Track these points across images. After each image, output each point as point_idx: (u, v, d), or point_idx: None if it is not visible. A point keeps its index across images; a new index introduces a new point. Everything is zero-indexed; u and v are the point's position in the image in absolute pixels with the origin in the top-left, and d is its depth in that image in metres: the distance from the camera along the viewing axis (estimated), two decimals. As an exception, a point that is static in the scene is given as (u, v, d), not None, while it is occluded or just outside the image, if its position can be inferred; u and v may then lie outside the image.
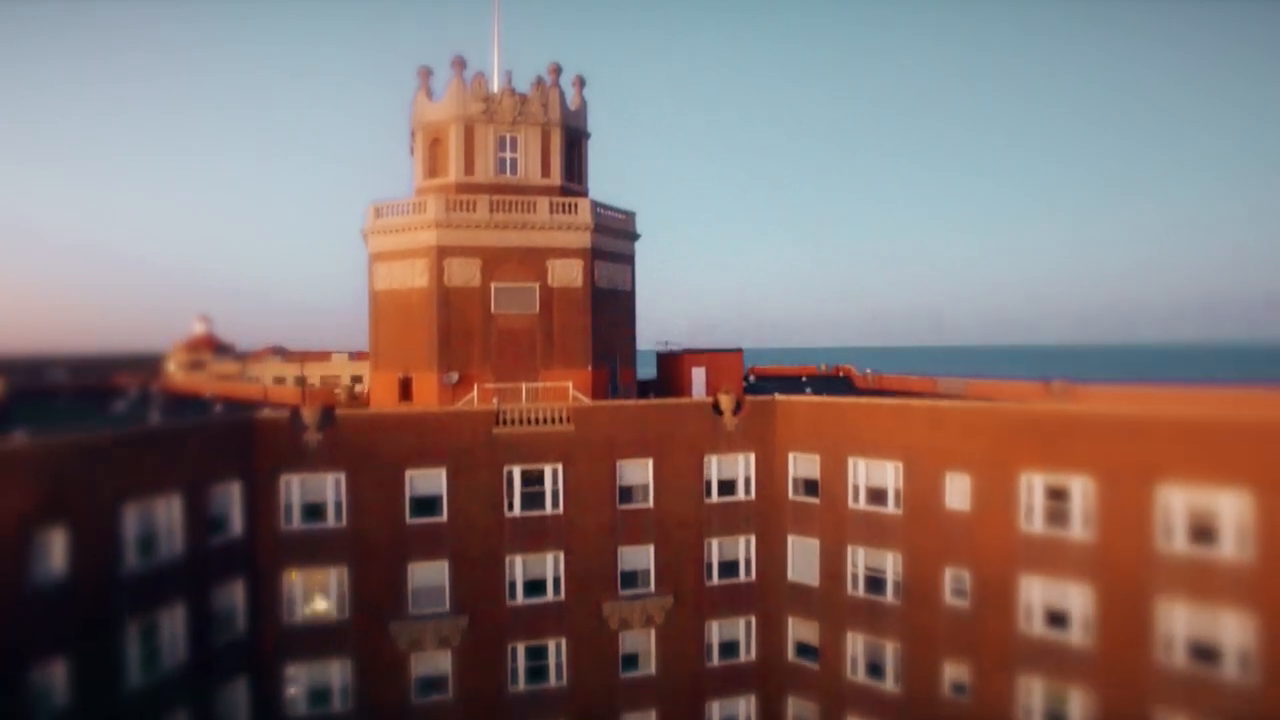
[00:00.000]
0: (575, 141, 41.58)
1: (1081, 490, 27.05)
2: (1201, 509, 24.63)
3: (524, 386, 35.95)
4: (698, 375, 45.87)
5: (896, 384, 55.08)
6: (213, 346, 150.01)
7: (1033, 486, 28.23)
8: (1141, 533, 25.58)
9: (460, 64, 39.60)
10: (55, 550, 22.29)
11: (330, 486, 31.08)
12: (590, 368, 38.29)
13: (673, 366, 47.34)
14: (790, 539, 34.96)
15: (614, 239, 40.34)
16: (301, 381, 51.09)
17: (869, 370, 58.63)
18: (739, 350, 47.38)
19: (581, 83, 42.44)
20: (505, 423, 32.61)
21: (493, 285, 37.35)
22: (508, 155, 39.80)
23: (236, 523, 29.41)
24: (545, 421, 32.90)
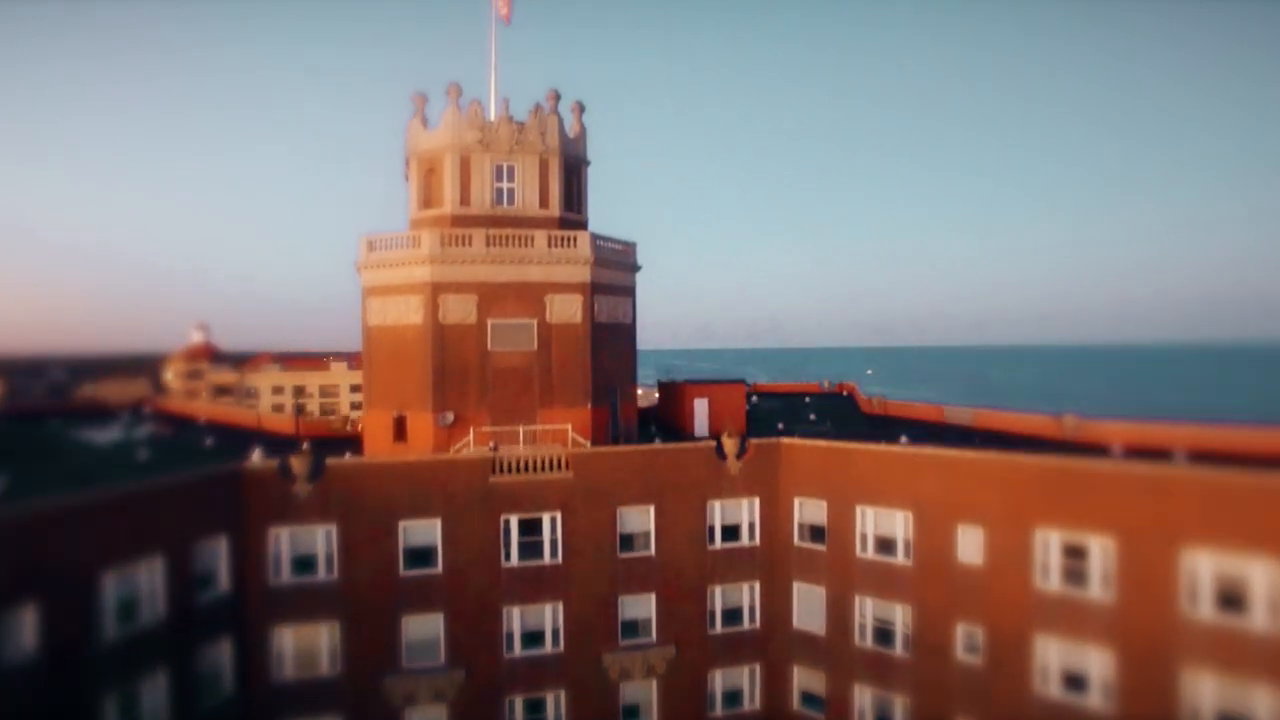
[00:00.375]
0: (574, 169, 40.47)
1: (1101, 550, 25.98)
2: (1230, 575, 23.56)
3: (521, 430, 34.86)
4: (700, 407, 44.83)
5: (902, 410, 53.96)
6: (210, 355, 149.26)
7: (1049, 543, 27.16)
8: (1166, 597, 24.51)
9: (456, 91, 38.52)
10: (25, 628, 21.22)
11: (321, 538, 30.05)
12: (590, 406, 37.20)
13: (674, 397, 46.30)
14: (796, 586, 33.92)
15: (614, 271, 39.24)
16: (299, 410, 49.85)
17: (875, 396, 57.46)
18: (741, 381, 46.38)
19: (580, 109, 41.34)
20: (502, 470, 31.55)
21: (489, 322, 36.25)
22: (505, 185, 38.70)
23: (223, 579, 28.37)
24: (543, 469, 31.85)
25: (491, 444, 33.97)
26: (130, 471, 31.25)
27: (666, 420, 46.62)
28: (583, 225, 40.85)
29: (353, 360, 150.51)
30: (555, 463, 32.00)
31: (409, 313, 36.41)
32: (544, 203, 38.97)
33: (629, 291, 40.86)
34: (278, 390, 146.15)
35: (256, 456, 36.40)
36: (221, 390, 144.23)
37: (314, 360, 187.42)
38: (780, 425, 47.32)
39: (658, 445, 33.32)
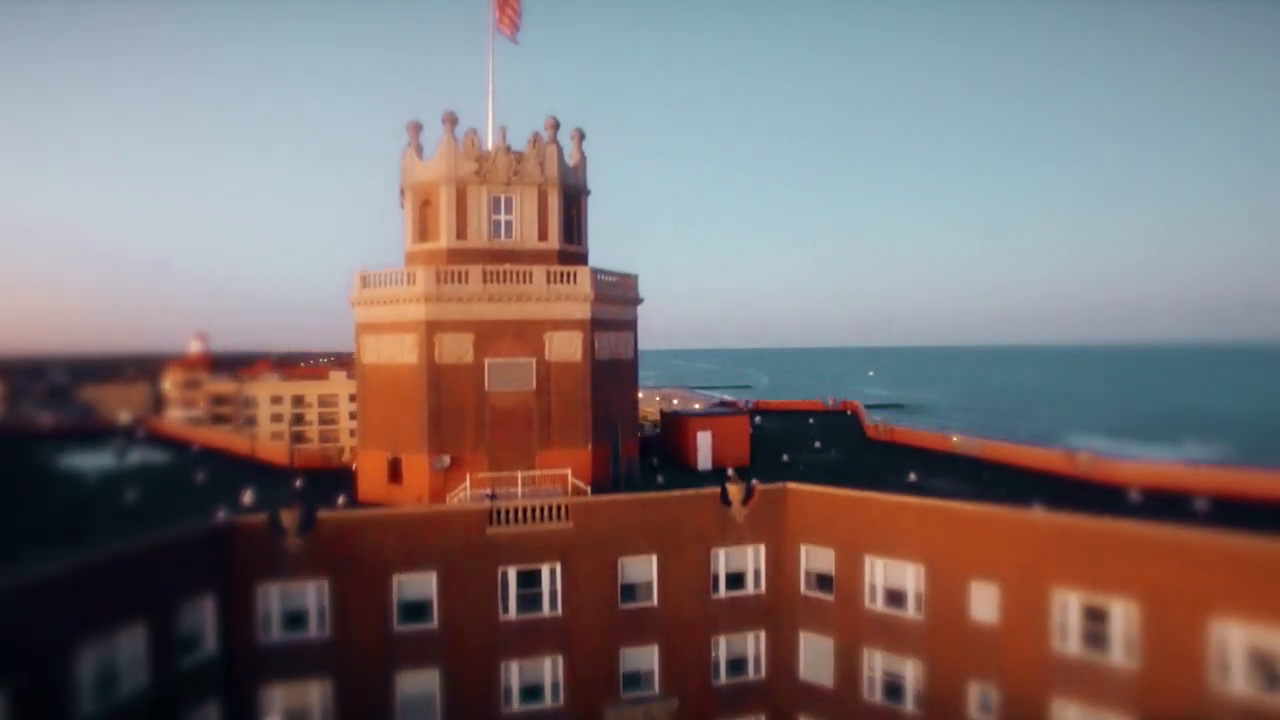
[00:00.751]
0: (574, 200, 39.40)
1: (1124, 614, 24.92)
2: (1264, 649, 22.49)
3: (520, 475, 33.79)
4: (703, 440, 43.79)
5: (908, 438, 52.90)
6: (209, 365, 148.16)
7: (1068, 604, 26.10)
8: (1193, 668, 23.46)
9: (451, 120, 37.43)
10: (-3, 715, 20.19)
11: (312, 594, 28.99)
12: (590, 447, 36.15)
13: (677, 429, 45.23)
14: (802, 636, 32.86)
15: (615, 306, 38.17)
16: (296, 439, 48.76)
17: (880, 422, 56.36)
18: (746, 414, 45.29)
19: (580, 136, 40.27)
20: (500, 521, 30.50)
21: (486, 361, 35.19)
22: (502, 218, 37.64)
23: (210, 640, 27.33)
24: (542, 519, 30.79)
25: (489, 491, 32.93)
26: (114, 521, 30.27)
27: (669, 452, 45.56)
28: (583, 257, 39.82)
29: (351, 368, 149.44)
30: (554, 512, 30.94)
31: (404, 351, 35.36)
32: (543, 235, 37.91)
33: (630, 326, 39.80)
34: (276, 400, 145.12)
35: (248, 498, 35.47)
36: (220, 400, 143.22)
37: (313, 368, 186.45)
38: (785, 457, 46.35)
39: (660, 494, 32.25)
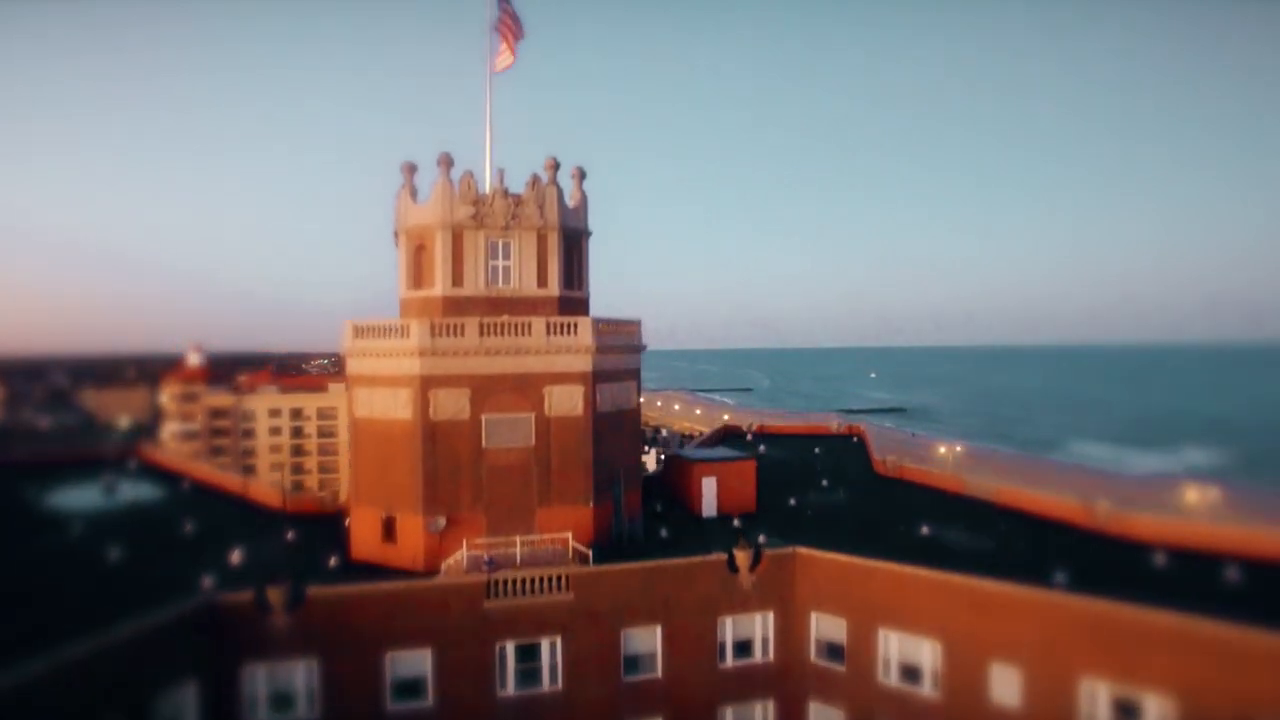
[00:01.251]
0: (575, 243, 38.03)
1: (1159, 712, 23.54)
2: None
3: (518, 540, 32.41)
4: (708, 486, 42.46)
5: (918, 476, 51.50)
6: (206, 377, 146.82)
7: (1096, 695, 24.73)
8: (1230, 773, 22.08)
9: (446, 162, 36.06)
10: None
11: (301, 674, 27.62)
12: (591, 504, 34.81)
13: (681, 473, 43.89)
14: (812, 707, 31.51)
15: (618, 355, 36.80)
16: (291, 487, 47.43)
17: (889, 457, 54.96)
18: (751, 458, 43.88)
19: (581, 175, 38.91)
20: (498, 594, 29.13)
21: (484, 417, 33.83)
22: (500, 263, 36.28)
23: (192, 727, 25.95)
24: (542, 590, 29.43)
25: (486, 557, 31.58)
26: (93, 591, 28.99)
27: (672, 494, 44.22)
28: (584, 302, 38.49)
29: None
30: (555, 583, 29.58)
31: (397, 407, 34.00)
32: (542, 282, 36.56)
33: (633, 374, 38.45)
34: (274, 413, 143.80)
35: (235, 557, 34.15)
36: (217, 413, 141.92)
37: (312, 378, 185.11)
38: (793, 501, 44.98)
39: (665, 562, 30.86)
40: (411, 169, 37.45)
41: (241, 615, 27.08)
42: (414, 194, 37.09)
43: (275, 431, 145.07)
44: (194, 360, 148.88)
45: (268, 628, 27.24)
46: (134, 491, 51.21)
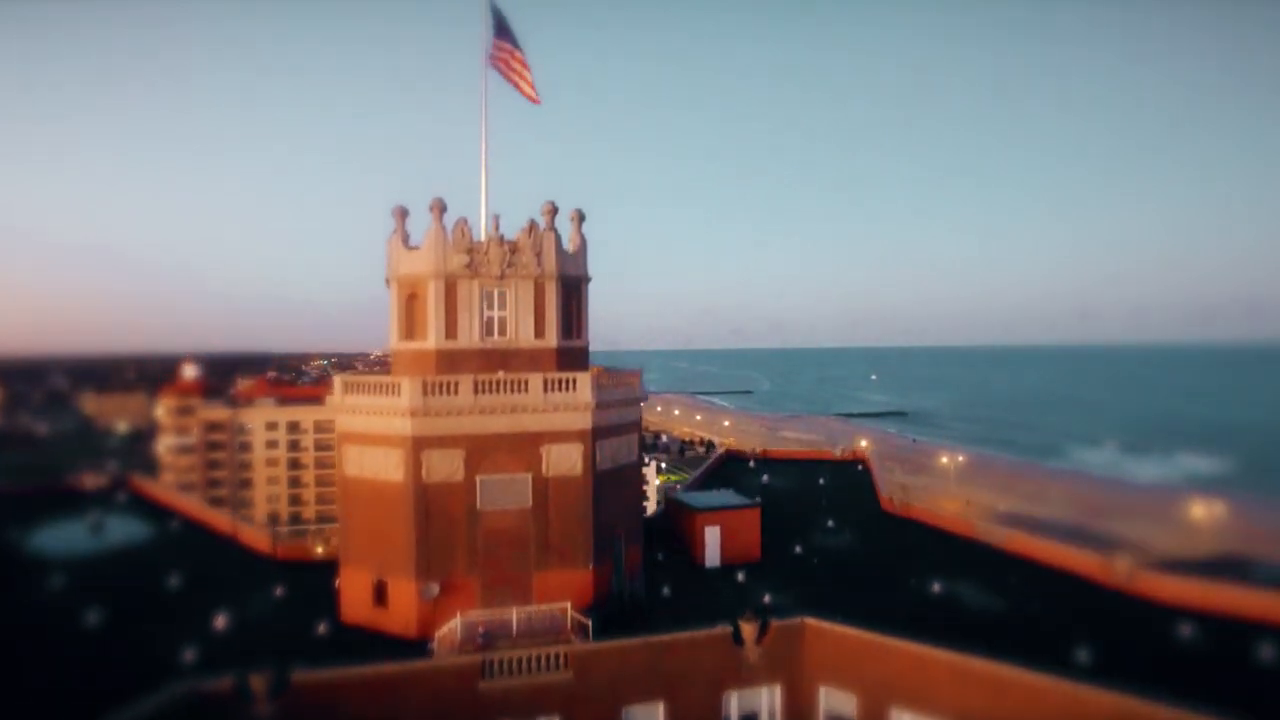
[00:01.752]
0: (573, 290, 36.64)
1: (1191, 818, 22.15)
2: None
3: (514, 611, 30.99)
4: (711, 535, 41.14)
5: (927, 517, 50.16)
6: (202, 391, 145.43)
7: (1127, 796, 23.33)
8: None
9: (439, 208, 34.65)
10: None
11: (284, 763, 26.22)
12: (591, 565, 33.44)
13: (684, 521, 42.54)
14: (823, 785, 30.12)
15: (619, 410, 35.42)
16: (276, 537, 46.13)
17: (897, 496, 53.62)
18: (757, 506, 42.49)
19: (580, 218, 37.49)
20: (493, 674, 27.73)
21: (479, 478, 32.45)
22: (495, 314, 34.89)
23: (169, 825, 24.53)
24: (540, 669, 28.02)
25: (480, 631, 30.19)
26: (67, 666, 27.66)
27: (674, 541, 42.85)
28: (583, 352, 37.12)
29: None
30: (553, 661, 28.19)
31: (388, 468, 32.62)
32: (540, 333, 35.17)
33: (635, 427, 37.08)
34: (271, 426, 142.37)
35: (220, 622, 32.76)
36: (213, 427, 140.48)
37: (310, 388, 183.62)
38: (798, 548, 43.64)
39: (668, 637, 29.44)
40: (403, 214, 36.04)
41: (221, 705, 25.67)
42: (405, 240, 35.68)
43: (272, 445, 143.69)
44: (189, 373, 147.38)
45: (250, 718, 25.84)
46: (122, 529, 49.92)
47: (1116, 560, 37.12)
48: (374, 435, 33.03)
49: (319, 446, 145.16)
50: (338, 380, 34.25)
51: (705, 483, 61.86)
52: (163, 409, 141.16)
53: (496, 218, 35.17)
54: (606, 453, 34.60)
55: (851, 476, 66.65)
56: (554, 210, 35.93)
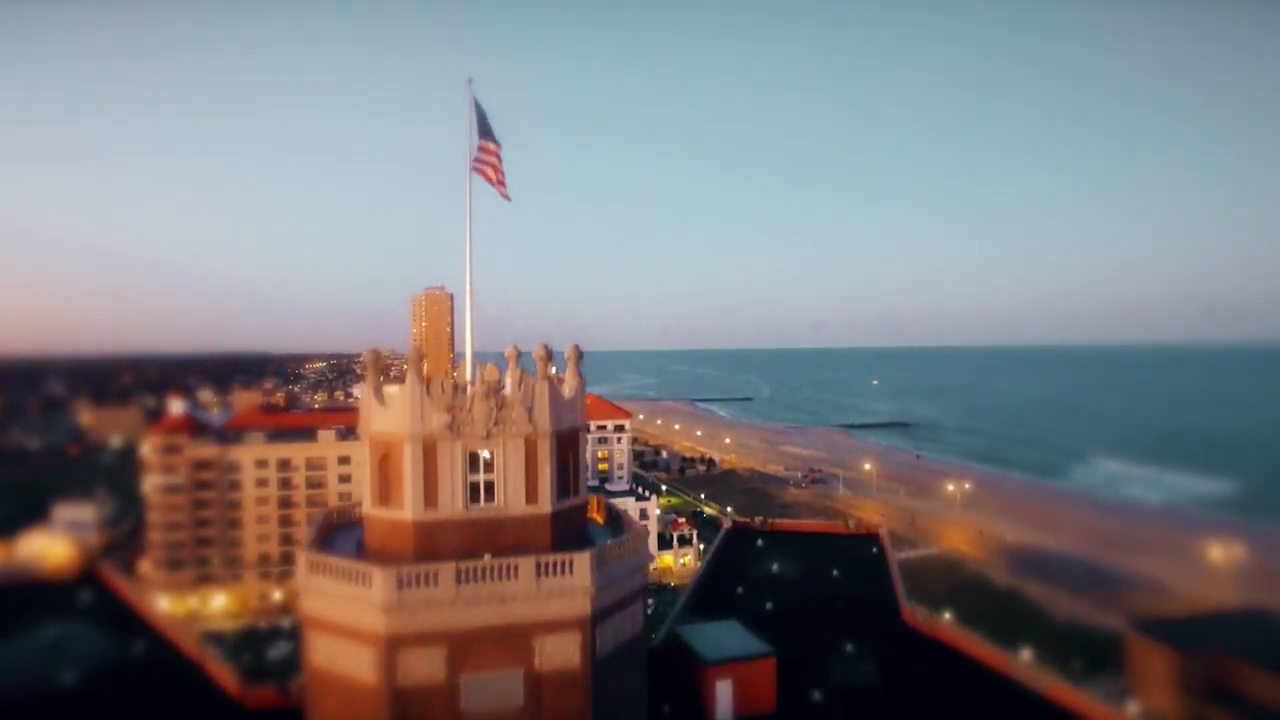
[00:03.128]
0: (569, 442, 32.65)
1: None
2: None
3: None
4: (723, 690, 37.26)
5: (956, 641, 46.05)
6: (190, 429, 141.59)
7: None
8: None
9: (417, 359, 30.74)
10: None
11: None
12: (591, 771, 29.53)
13: (693, 673, 38.53)
14: None
15: (622, 581, 31.40)
16: (246, 679, 42.07)
17: (920, 611, 49.68)
18: (771, 656, 38.52)
19: (577, 355, 33.60)
20: None
21: (462, 678, 28.42)
22: (481, 478, 30.88)
23: None
24: None
25: None
26: None
27: (681, 693, 38.84)
28: (581, 510, 33.21)
29: (343, 433, 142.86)
30: None
31: (359, 665, 28.60)
32: (532, 497, 31.18)
33: (639, 595, 33.08)
34: (261, 464, 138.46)
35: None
36: (201, 465, 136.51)
37: (303, 416, 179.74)
38: (817, 695, 39.76)
39: None
40: (376, 358, 32.06)
41: None
42: (379, 393, 31.66)
43: (262, 483, 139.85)
44: (176, 410, 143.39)
45: None
46: (81, 647, 46.02)
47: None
48: (343, 626, 28.99)
49: (310, 484, 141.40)
50: (302, 559, 30.23)
51: (712, 572, 58.20)
52: (149, 448, 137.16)
53: (482, 369, 31.21)
54: (608, 635, 30.64)
55: (866, 563, 62.59)
56: (548, 354, 31.98)
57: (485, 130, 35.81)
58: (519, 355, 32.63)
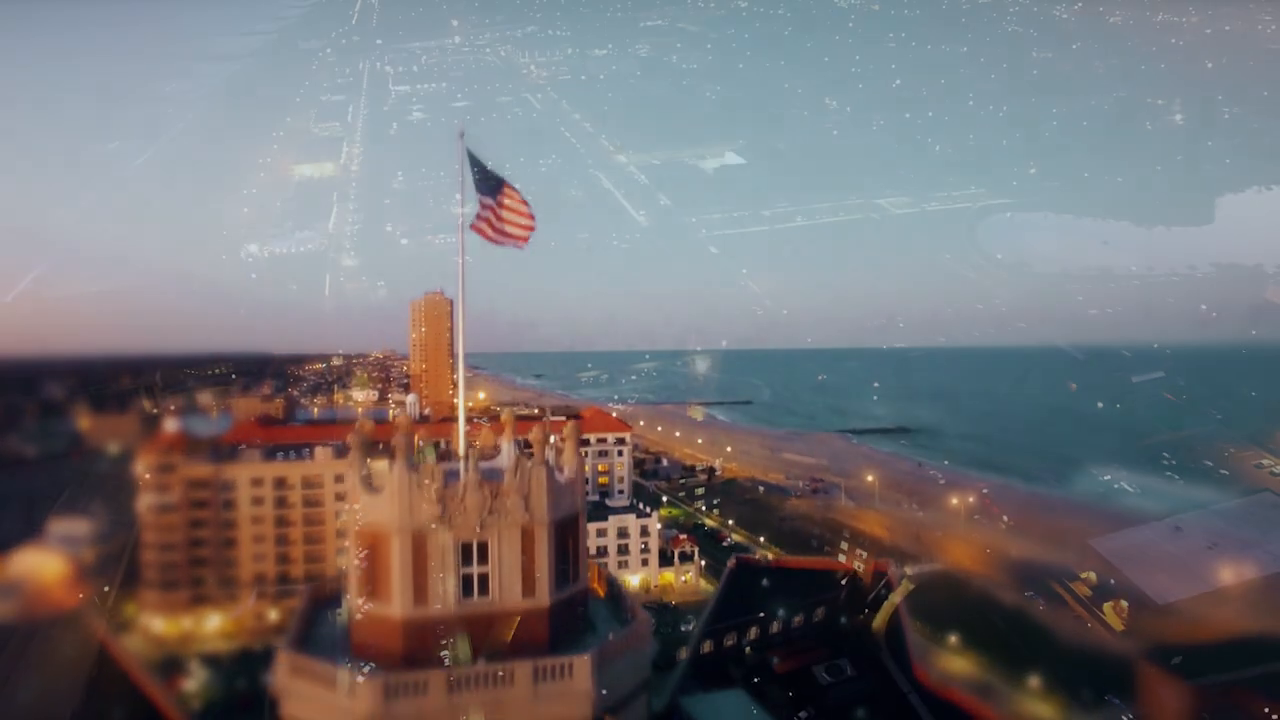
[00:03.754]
0: (568, 528, 30.81)
1: None
2: None
3: None
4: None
5: (972, 707, 44.39)
6: (184, 447, 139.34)
7: None
8: None
9: (405, 444, 28.84)
10: None
11: None
12: None
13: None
14: None
15: (629, 673, 29.59)
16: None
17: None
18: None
19: (576, 435, 31.74)
20: None
21: (454, 794, 26.68)
22: (475, 570, 29.04)
23: None
24: None
25: None
26: None
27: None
28: (581, 597, 31.38)
29: (339, 451, 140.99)
30: None
31: (344, 780, 26.83)
32: (528, 589, 29.33)
33: (645, 686, 31.22)
34: (257, 483, 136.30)
35: None
36: (196, 484, 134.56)
37: (300, 429, 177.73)
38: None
39: None
40: (361, 442, 30.20)
41: None
42: (366, 482, 29.78)
43: (258, 502, 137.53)
44: (171, 427, 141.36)
45: None
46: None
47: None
48: (326, 735, 27.21)
49: (307, 502, 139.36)
50: (282, 659, 28.39)
51: (720, 610, 56.57)
52: (143, 466, 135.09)
53: (476, 462, 29.31)
54: (611, 738, 28.83)
55: (874, 606, 60.88)
56: (547, 436, 30.13)
57: (485, 186, 32.76)
58: (514, 421, 30.94)
